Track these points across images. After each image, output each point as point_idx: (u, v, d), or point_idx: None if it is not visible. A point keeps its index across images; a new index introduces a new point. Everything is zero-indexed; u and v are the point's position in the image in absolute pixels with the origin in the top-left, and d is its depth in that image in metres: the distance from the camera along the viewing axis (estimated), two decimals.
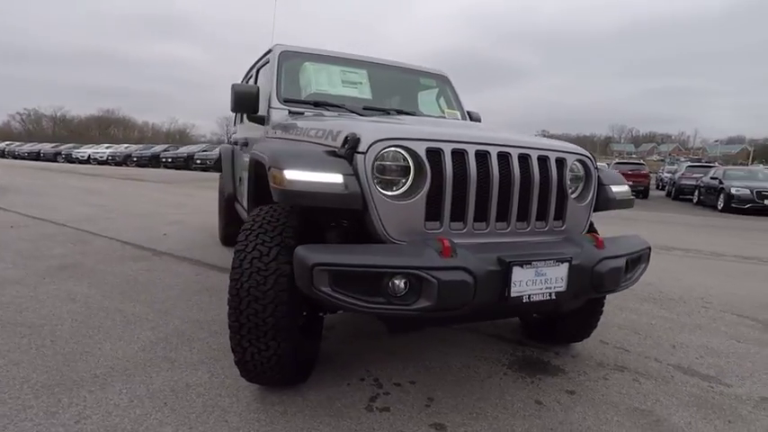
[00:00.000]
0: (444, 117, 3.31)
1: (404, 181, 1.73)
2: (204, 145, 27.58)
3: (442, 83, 3.57)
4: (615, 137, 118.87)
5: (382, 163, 1.69)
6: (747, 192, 11.69)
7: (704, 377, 2.29)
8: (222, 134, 67.86)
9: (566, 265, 1.73)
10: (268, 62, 3.13)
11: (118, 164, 26.26)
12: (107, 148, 29.80)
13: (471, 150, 1.77)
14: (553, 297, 1.73)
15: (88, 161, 27.46)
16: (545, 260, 1.69)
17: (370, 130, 1.73)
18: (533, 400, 1.98)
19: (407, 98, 3.40)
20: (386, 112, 2.97)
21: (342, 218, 1.98)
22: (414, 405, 1.90)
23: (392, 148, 1.69)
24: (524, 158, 1.88)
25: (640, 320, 3.07)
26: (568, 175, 2.00)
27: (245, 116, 3.66)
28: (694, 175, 15.11)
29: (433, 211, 1.73)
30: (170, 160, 24.00)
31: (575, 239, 1.93)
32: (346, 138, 1.70)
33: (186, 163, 23.05)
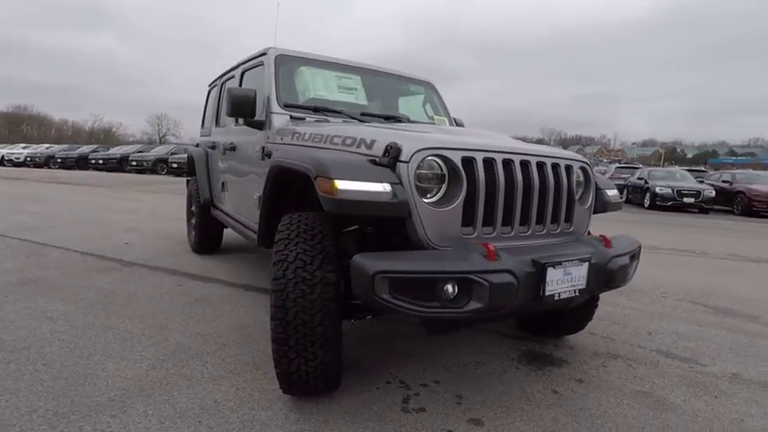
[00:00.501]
0: (434, 123, 3.41)
1: (438, 189, 1.80)
2: (139, 146, 25.76)
3: (429, 89, 3.68)
4: (546, 139, 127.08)
5: (421, 171, 1.75)
6: (669, 191, 13.02)
7: (683, 359, 2.58)
8: (154, 134, 63.91)
9: (586, 264, 1.89)
10: (260, 65, 3.06)
11: (38, 165, 23.82)
12: (24, 148, 26.94)
13: (499, 159, 1.88)
14: (576, 294, 1.88)
15: (2, 162, 24.68)
16: (571, 260, 1.84)
17: (410, 139, 1.78)
18: (550, 391, 2.13)
19: (398, 104, 3.46)
20: (383, 118, 3.02)
21: (366, 224, 2.02)
22: (446, 403, 1.97)
23: (430, 157, 1.76)
24: (541, 166, 2.02)
25: (615, 312, 3.37)
26: (575, 180, 2.17)
27: (228, 120, 3.55)
28: (622, 176, 16.53)
29: (467, 217, 1.81)
30: (101, 162, 22.19)
31: (585, 240, 2.10)
32: (388, 147, 1.74)
33: (120, 165, 21.43)
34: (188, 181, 4.98)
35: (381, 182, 1.64)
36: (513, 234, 1.95)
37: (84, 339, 2.41)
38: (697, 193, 12.90)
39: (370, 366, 2.26)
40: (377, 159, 1.75)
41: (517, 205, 1.93)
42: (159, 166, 20.58)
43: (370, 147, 1.85)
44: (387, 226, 1.94)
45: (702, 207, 13.00)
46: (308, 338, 1.66)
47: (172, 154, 20.76)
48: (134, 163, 20.84)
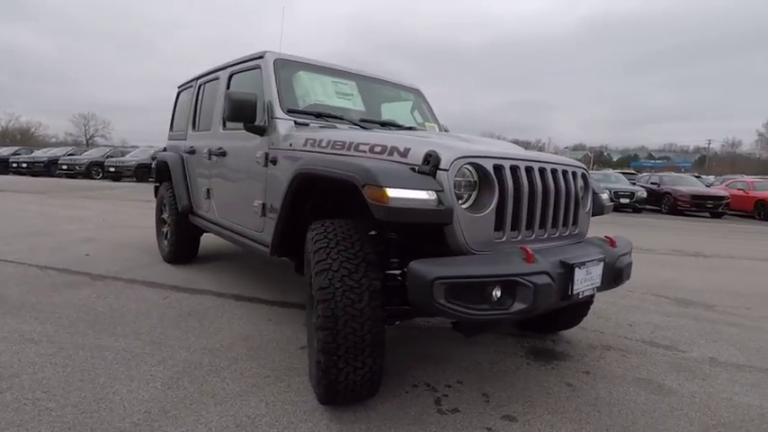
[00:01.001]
0: (424, 129, 3.49)
1: (469, 195, 1.87)
2: (70, 148, 23.74)
3: (417, 96, 3.76)
4: None
5: (458, 179, 1.81)
6: (607, 192, 14.05)
7: (665, 347, 2.83)
8: (80, 135, 59.04)
9: (602, 263, 2.04)
10: (255, 68, 2.98)
11: None
12: None
13: (522, 166, 1.98)
14: (594, 292, 2.03)
15: None
16: (591, 261, 1.97)
17: (445, 148, 1.83)
18: (564, 383, 2.27)
19: (391, 111, 3.50)
20: (380, 124, 3.05)
21: (389, 231, 2.04)
22: (475, 402, 2.04)
23: (466, 165, 1.82)
24: (554, 172, 2.15)
25: (594, 306, 3.61)
26: (579, 185, 2.33)
27: (214, 123, 3.42)
28: None
29: (498, 222, 1.90)
30: (24, 165, 20.17)
31: (594, 241, 2.26)
32: (428, 155, 1.78)
33: (48, 169, 19.60)
34: (157, 187, 4.71)
35: (427, 189, 1.68)
36: (533, 237, 2.06)
37: (80, 361, 2.22)
38: (631, 194, 14.06)
39: (393, 371, 2.28)
40: (416, 167, 1.79)
41: (538, 210, 2.04)
42: (94, 171, 19.09)
43: (404, 155, 1.88)
44: (411, 232, 1.98)
45: (636, 207, 14.19)
46: (358, 347, 1.66)
47: (108, 157, 19.33)
48: (65, 167, 19.16)
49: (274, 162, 2.61)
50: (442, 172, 1.76)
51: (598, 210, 2.57)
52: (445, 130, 3.81)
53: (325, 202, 2.28)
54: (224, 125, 3.35)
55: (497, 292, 1.64)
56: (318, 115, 2.80)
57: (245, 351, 2.44)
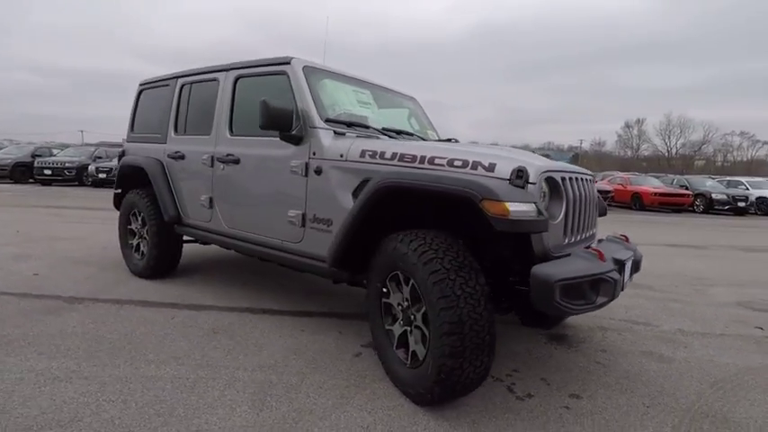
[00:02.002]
0: (428, 136, 3.68)
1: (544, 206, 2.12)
2: None
3: (414, 104, 3.92)
4: None
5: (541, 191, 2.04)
6: None
7: (643, 324, 3.40)
8: None
9: (632, 259, 2.43)
10: (279, 74, 2.89)
11: None
12: None
13: (573, 177, 2.29)
14: (628, 284, 2.41)
15: None
16: (629, 257, 2.35)
17: (527, 163, 2.04)
18: (594, 362, 2.65)
19: (391, 118, 3.61)
20: (395, 132, 3.16)
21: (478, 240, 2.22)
22: (540, 386, 2.31)
23: (545, 179, 2.06)
24: (584, 181, 2.50)
25: None
26: None
27: (219, 128, 3.23)
28: None
29: (565, 227, 2.17)
30: None
31: (614, 239, 2.67)
32: (519, 170, 1.97)
33: None
34: (118, 196, 4.24)
35: (529, 202, 1.88)
36: (579, 239, 2.38)
37: (138, 395, 2.03)
38: None
39: None
40: (510, 181, 1.98)
41: (584, 215, 2.37)
42: None
43: (490, 169, 2.05)
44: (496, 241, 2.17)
45: None
46: (480, 348, 1.81)
47: None
48: None
49: (318, 172, 2.59)
50: (530, 185, 1.97)
51: (602, 211, 3.00)
52: (455, 140, 4.01)
53: (394, 214, 2.33)
54: (231, 130, 3.19)
55: (590, 289, 1.91)
56: (350, 124, 2.84)
57: (305, 364, 2.42)
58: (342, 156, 2.53)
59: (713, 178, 20.31)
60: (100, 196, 12.41)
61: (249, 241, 3.07)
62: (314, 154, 2.64)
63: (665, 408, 2.15)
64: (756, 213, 16.21)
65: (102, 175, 15.17)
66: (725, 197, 16.00)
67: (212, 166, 3.26)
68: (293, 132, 2.66)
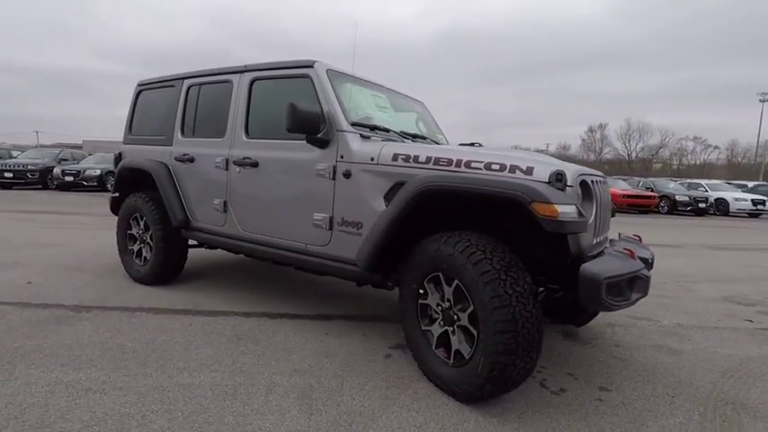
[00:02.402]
0: (438, 141, 3.74)
1: None
2: None
3: (422, 108, 3.98)
4: None
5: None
6: None
7: (645, 319, 3.57)
8: None
9: (651, 258, 2.57)
10: (302, 77, 2.88)
11: None
12: None
13: (596, 179, 2.40)
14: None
15: None
16: (650, 257, 2.48)
17: (564, 167, 2.13)
18: (611, 356, 2.77)
19: (410, 122, 3.66)
20: (411, 136, 3.21)
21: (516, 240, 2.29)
22: (569, 381, 2.40)
23: (580, 182, 2.16)
24: (602, 183, 2.62)
25: None
26: None
27: (235, 130, 3.18)
28: None
29: (594, 228, 2.28)
30: None
31: (625, 239, 2.80)
32: (559, 174, 2.05)
33: None
34: (116, 200, 4.10)
35: (570, 204, 1.96)
36: (601, 239, 2.49)
37: (181, 404, 1.98)
38: None
39: None
40: (550, 184, 2.05)
41: (604, 215, 2.49)
42: None
43: (528, 173, 2.12)
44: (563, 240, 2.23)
45: None
46: (531, 344, 1.87)
47: None
48: None
49: (347, 175, 2.60)
50: (569, 188, 2.06)
51: (612, 213, 3.14)
52: (479, 144, 4.07)
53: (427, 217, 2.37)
54: (247, 133, 3.15)
55: (627, 286, 2.01)
56: (373, 128, 2.86)
57: (339, 368, 2.42)
58: (372, 159, 2.55)
59: (675, 180, 21.43)
60: (69, 200, 11.86)
61: (268, 245, 3.03)
62: (341, 157, 2.64)
63: (688, 396, 2.29)
64: (715, 214, 17.21)
65: (68, 178, 14.49)
66: (687, 199, 16.91)
67: (227, 169, 3.21)
68: (320, 135, 2.66)
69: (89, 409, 1.89)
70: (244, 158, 3.10)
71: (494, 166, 2.20)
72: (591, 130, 66.21)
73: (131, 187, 3.97)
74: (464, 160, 2.27)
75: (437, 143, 3.51)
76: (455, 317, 2.13)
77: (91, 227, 7.10)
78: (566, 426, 1.97)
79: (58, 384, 2.08)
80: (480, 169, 2.22)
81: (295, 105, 2.54)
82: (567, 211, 1.88)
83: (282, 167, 2.92)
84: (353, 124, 2.75)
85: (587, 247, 2.17)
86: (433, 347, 2.26)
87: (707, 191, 17.80)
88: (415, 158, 2.41)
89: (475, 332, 2.01)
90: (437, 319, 2.27)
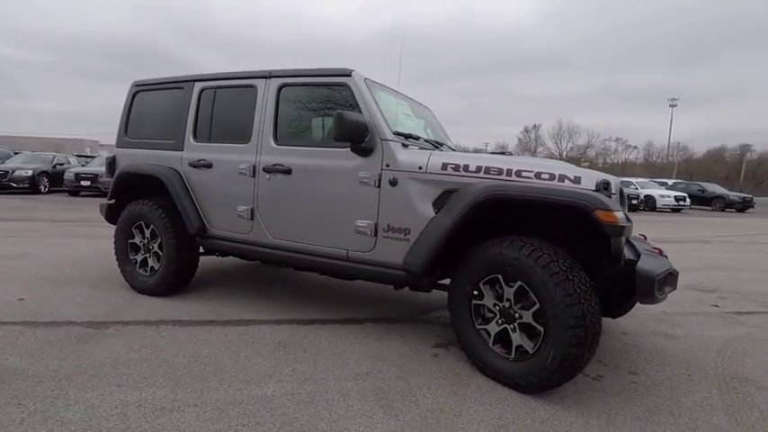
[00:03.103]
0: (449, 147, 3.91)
1: None
2: None
3: (430, 114, 4.13)
4: None
5: None
6: None
7: (635, 308, 3.98)
8: None
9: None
10: (338, 86, 2.93)
11: None
12: None
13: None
14: None
15: None
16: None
17: (606, 176, 2.38)
18: (623, 342, 3.10)
19: (420, 129, 3.78)
20: (436, 144, 3.36)
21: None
22: (602, 368, 2.67)
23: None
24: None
25: None
26: None
27: (262, 136, 3.14)
28: None
29: None
30: None
31: (638, 238, 3.14)
32: (605, 182, 2.29)
33: None
34: (114, 206, 3.86)
35: (620, 210, 2.20)
36: None
37: (265, 416, 1.98)
38: None
39: None
40: (599, 192, 2.28)
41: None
42: None
43: (576, 182, 2.34)
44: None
45: None
46: (595, 337, 2.09)
47: None
48: None
49: (394, 183, 2.69)
50: (614, 195, 2.31)
51: None
52: (509, 153, 4.26)
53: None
54: (276, 140, 3.12)
55: (665, 282, 2.29)
56: (408, 136, 2.97)
57: (396, 369, 2.51)
58: (421, 168, 2.65)
59: None
60: (12, 205, 10.72)
61: (301, 252, 3.04)
62: (387, 165, 2.73)
63: (701, 374, 2.64)
64: (645, 210, 19.03)
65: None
66: None
67: (254, 175, 3.16)
68: (364, 144, 2.72)
69: (176, 428, 1.85)
70: (274, 165, 3.07)
71: (543, 176, 2.41)
72: (526, 130, 70.11)
73: (130, 194, 3.77)
74: (514, 169, 2.45)
75: (452, 149, 3.67)
76: (517, 315, 2.31)
77: (49, 234, 6.52)
78: (618, 406, 2.21)
79: (127, 406, 2.00)
80: (531, 178, 2.41)
81: (343, 115, 2.59)
82: (621, 216, 2.12)
83: (320, 175, 2.94)
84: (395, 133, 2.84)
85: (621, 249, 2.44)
86: (490, 344, 2.42)
87: (637, 188, 19.60)
88: (465, 167, 2.56)
89: (541, 328, 2.20)
90: (492, 317, 2.43)
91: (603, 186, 2.30)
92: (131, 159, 3.78)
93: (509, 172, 2.46)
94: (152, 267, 3.63)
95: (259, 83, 3.22)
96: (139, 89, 3.88)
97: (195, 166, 3.42)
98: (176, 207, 3.45)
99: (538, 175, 2.41)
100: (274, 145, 3.12)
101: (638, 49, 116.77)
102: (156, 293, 3.58)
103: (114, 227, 3.85)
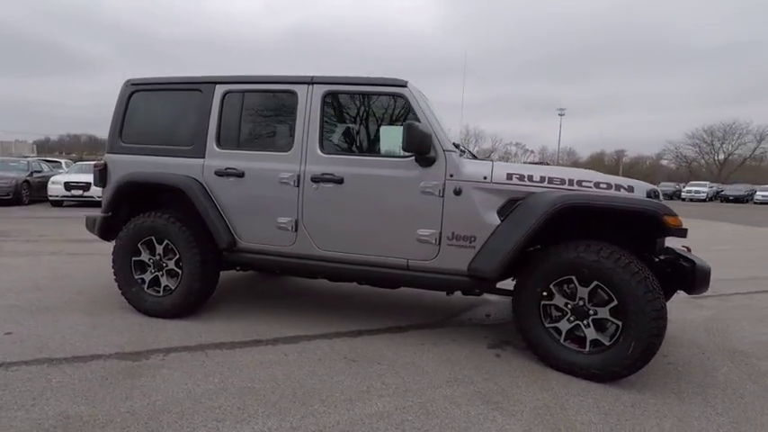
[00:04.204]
0: None
1: None
2: None
3: None
4: None
5: None
6: None
7: None
8: None
9: None
10: (395, 96, 2.95)
11: None
12: None
13: None
14: None
15: None
16: None
17: (651, 185, 2.72)
18: None
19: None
20: (464, 149, 3.52)
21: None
22: None
23: None
24: None
25: None
26: None
27: (308, 145, 3.03)
28: None
29: None
30: None
31: None
32: (654, 191, 2.63)
33: None
34: (108, 220, 3.42)
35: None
36: None
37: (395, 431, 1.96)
38: None
39: None
40: (650, 198, 2.61)
41: None
42: None
43: (630, 190, 2.65)
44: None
45: None
46: (663, 331, 2.38)
47: None
48: None
49: (458, 193, 2.78)
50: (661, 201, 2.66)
51: None
52: (546, 163, 4.46)
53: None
54: (323, 148, 3.03)
55: None
56: (456, 145, 3.08)
57: (478, 373, 2.60)
58: (485, 178, 2.78)
59: None
60: None
61: (353, 263, 2.99)
62: (451, 175, 2.81)
63: (710, 352, 3.11)
64: None
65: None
66: None
67: (298, 185, 3.03)
68: (429, 155, 2.78)
69: None
70: (323, 174, 2.98)
71: (602, 185, 2.68)
72: None
73: (130, 206, 3.39)
74: (575, 179, 2.70)
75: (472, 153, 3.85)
76: (591, 312, 2.54)
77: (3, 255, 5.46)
78: (675, 386, 2.52)
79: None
80: (591, 187, 2.68)
81: (416, 126, 2.63)
82: (682, 220, 2.46)
83: (376, 185, 2.92)
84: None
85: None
86: (561, 341, 2.63)
87: None
88: (530, 177, 2.74)
89: (619, 322, 2.45)
90: (561, 316, 2.64)
91: (654, 194, 2.64)
92: (130, 167, 3.37)
93: (570, 182, 2.69)
94: (166, 287, 3.27)
95: (299, 89, 3.09)
96: (137, 89, 3.48)
97: (222, 175, 3.16)
98: (199, 219, 3.17)
99: (597, 185, 2.68)
100: (321, 153, 3.02)
101: (531, 62, 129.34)
102: (171, 315, 3.23)
103: (101, 241, 3.42)
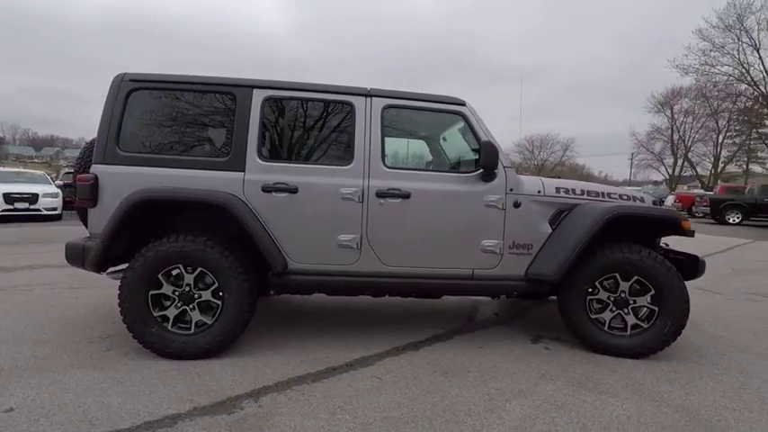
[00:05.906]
0: None
1: None
2: None
3: None
4: (9, 138, 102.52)
5: None
6: None
7: None
8: None
9: None
10: (454, 113, 3.08)
11: None
12: None
13: None
14: None
15: None
16: None
17: (652, 195, 3.41)
18: None
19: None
20: None
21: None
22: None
23: None
24: None
25: None
26: None
27: (368, 159, 2.97)
28: None
29: None
30: None
31: None
32: (658, 200, 3.31)
33: None
34: (108, 249, 2.75)
35: None
36: None
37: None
38: None
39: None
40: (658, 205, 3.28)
41: None
42: None
43: (642, 200, 3.28)
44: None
45: None
46: (689, 310, 3.03)
47: None
48: None
49: (517, 205, 3.05)
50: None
51: None
52: (558, 176, 4.71)
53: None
54: (384, 162, 2.97)
55: None
56: None
57: (557, 367, 2.87)
58: (539, 191, 3.11)
59: None
60: None
61: (420, 277, 3.02)
62: (511, 190, 3.07)
63: (726, 348, 4.00)
64: None
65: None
66: None
67: (362, 201, 2.91)
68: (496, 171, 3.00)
69: None
70: (389, 189, 2.93)
71: (624, 197, 3.27)
72: None
73: (136, 229, 2.80)
74: (606, 192, 3.23)
75: None
76: (632, 301, 3.07)
77: None
78: (711, 364, 3.17)
79: None
80: (617, 198, 3.24)
81: (492, 145, 2.83)
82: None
83: (444, 199, 3.00)
84: None
85: None
86: (605, 329, 3.11)
87: None
88: (573, 191, 3.18)
89: (656, 308, 3.02)
90: (603, 307, 3.13)
91: (660, 203, 3.33)
92: (138, 181, 2.76)
93: (603, 194, 3.22)
94: (199, 322, 2.78)
95: (357, 100, 2.97)
96: (137, 86, 2.86)
97: (271, 191, 2.84)
98: (241, 242, 2.79)
99: (620, 196, 3.26)
100: (385, 168, 2.96)
101: (426, 68, 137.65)
102: (207, 355, 2.76)
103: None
